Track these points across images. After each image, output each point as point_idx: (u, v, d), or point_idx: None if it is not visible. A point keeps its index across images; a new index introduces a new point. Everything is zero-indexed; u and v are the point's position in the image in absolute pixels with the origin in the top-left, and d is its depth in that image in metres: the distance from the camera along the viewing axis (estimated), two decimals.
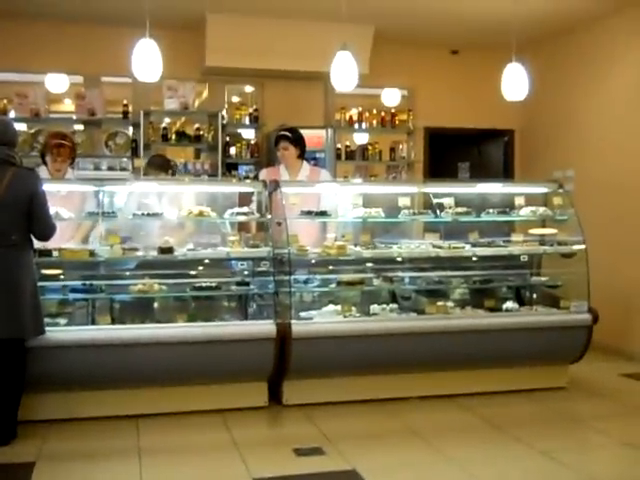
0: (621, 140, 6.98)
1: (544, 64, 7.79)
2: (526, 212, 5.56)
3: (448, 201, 5.50)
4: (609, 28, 7.13)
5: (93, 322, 4.89)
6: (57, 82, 7.43)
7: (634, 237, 6.71)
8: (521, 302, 5.81)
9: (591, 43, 7.41)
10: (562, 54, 7.86)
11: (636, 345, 6.62)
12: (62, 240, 4.96)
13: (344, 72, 5.84)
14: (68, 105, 7.82)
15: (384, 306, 5.46)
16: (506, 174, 8.67)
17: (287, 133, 5.74)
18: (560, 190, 5.75)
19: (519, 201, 5.63)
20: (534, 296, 5.91)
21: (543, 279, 5.82)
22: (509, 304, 5.62)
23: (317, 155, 7.49)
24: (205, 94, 8.05)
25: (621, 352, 6.65)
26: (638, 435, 4.59)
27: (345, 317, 5.18)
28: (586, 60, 7.50)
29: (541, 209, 5.59)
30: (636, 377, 6.01)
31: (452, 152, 9.01)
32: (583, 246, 5.47)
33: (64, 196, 5.20)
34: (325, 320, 5.13)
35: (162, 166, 5.98)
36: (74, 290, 4.92)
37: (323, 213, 5.34)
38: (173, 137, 7.72)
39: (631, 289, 6.66)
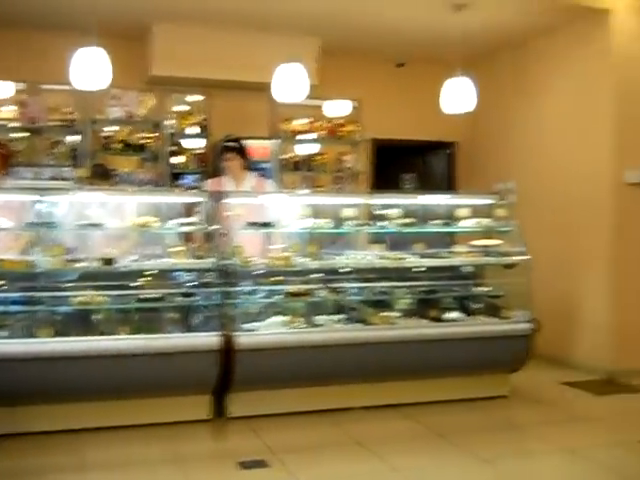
0: (559, 153, 7.14)
1: (486, 78, 7.90)
2: (470, 223, 5.65)
3: (393, 212, 5.56)
4: (548, 44, 7.31)
5: (34, 335, 4.79)
6: None
7: (574, 249, 6.87)
8: (467, 312, 5.89)
9: (531, 58, 7.58)
10: (503, 68, 8.03)
11: (577, 354, 6.76)
12: (1, 251, 4.84)
13: (287, 84, 5.89)
14: (9, 112, 7.64)
15: (330, 317, 5.47)
16: (449, 185, 8.80)
17: (232, 144, 5.73)
18: (502, 202, 5.85)
19: (463, 212, 5.72)
20: (477, 306, 5.98)
21: (486, 289, 5.90)
22: (453, 314, 5.68)
23: (263, 166, 7.47)
24: (151, 103, 7.95)
25: (564, 361, 6.77)
26: (576, 440, 4.70)
27: (291, 328, 5.18)
28: (526, 75, 7.67)
29: (484, 220, 5.69)
30: (576, 385, 6.15)
31: (398, 163, 9.08)
32: (525, 257, 5.57)
33: (2, 205, 5.08)
34: (269, 331, 5.10)
35: (104, 175, 5.92)
36: (15, 302, 4.79)
37: (268, 224, 5.33)
38: (117, 146, 7.60)
39: (572, 300, 6.81)
